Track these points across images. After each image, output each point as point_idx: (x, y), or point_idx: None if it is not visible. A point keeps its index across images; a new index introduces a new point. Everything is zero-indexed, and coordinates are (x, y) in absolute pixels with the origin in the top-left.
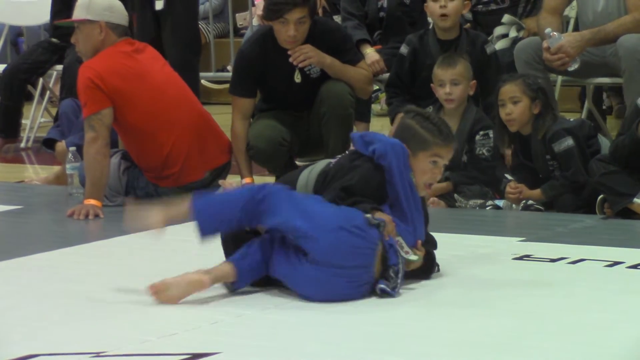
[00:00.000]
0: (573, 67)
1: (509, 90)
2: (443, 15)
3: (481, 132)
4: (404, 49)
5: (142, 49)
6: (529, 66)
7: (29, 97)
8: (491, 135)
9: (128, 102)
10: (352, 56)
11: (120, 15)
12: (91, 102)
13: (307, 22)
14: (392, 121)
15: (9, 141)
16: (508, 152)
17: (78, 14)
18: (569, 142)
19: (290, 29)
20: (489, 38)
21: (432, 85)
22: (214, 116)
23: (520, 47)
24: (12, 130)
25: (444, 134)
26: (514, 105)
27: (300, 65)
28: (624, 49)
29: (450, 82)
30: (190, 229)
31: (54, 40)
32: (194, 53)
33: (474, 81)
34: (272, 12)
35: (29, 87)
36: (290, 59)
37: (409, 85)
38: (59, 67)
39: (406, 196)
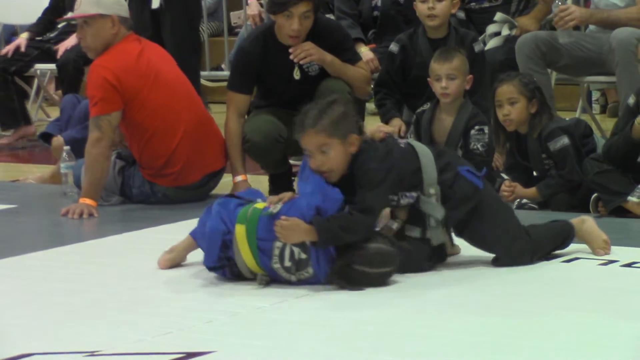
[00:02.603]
0: (565, 39)
1: (506, 90)
2: (431, 15)
3: (476, 127)
4: (394, 47)
5: (147, 45)
6: (531, 61)
7: (25, 96)
8: (486, 131)
9: (140, 100)
10: (352, 55)
11: (126, 8)
12: (103, 102)
13: (311, 17)
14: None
15: (19, 131)
16: (499, 158)
17: (87, 9)
18: (564, 140)
19: (294, 23)
20: (482, 36)
21: (429, 79)
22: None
23: (522, 41)
24: (8, 119)
25: (297, 123)
26: (512, 106)
27: (301, 62)
28: (617, 41)
29: (447, 76)
30: (182, 228)
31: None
32: (192, 53)
33: (471, 76)
34: (278, 5)
35: (25, 87)
36: (291, 56)
37: (400, 84)
38: (51, 66)
39: (302, 174)
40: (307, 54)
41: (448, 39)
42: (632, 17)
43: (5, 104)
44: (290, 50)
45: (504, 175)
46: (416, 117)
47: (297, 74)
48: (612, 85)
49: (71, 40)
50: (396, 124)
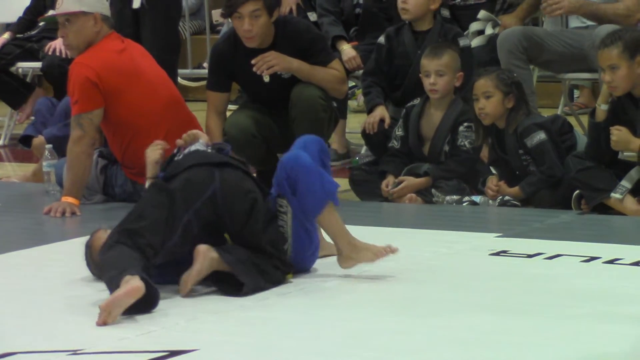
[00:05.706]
0: (553, 26)
1: (482, 84)
2: (403, 9)
3: (465, 124)
4: (381, 39)
5: (129, 44)
6: (512, 56)
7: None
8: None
9: (122, 98)
10: (323, 57)
11: (108, 6)
12: (84, 101)
13: (262, 15)
14: (368, 112)
15: (29, 100)
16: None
17: (69, 6)
18: (540, 136)
19: (245, 23)
20: (465, 33)
21: (420, 75)
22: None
23: (504, 36)
24: (13, 99)
25: None
26: (487, 100)
27: (264, 74)
28: (599, 38)
29: (435, 72)
30: None
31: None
32: (171, 52)
33: (461, 73)
34: (227, 7)
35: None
36: (254, 69)
37: (386, 74)
38: (34, 64)
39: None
40: (268, 65)
41: (431, 31)
42: (619, 13)
43: (3, 90)
44: (253, 61)
45: (493, 170)
46: (406, 110)
47: (266, 78)
48: (588, 82)
49: (59, 41)
50: (378, 113)
